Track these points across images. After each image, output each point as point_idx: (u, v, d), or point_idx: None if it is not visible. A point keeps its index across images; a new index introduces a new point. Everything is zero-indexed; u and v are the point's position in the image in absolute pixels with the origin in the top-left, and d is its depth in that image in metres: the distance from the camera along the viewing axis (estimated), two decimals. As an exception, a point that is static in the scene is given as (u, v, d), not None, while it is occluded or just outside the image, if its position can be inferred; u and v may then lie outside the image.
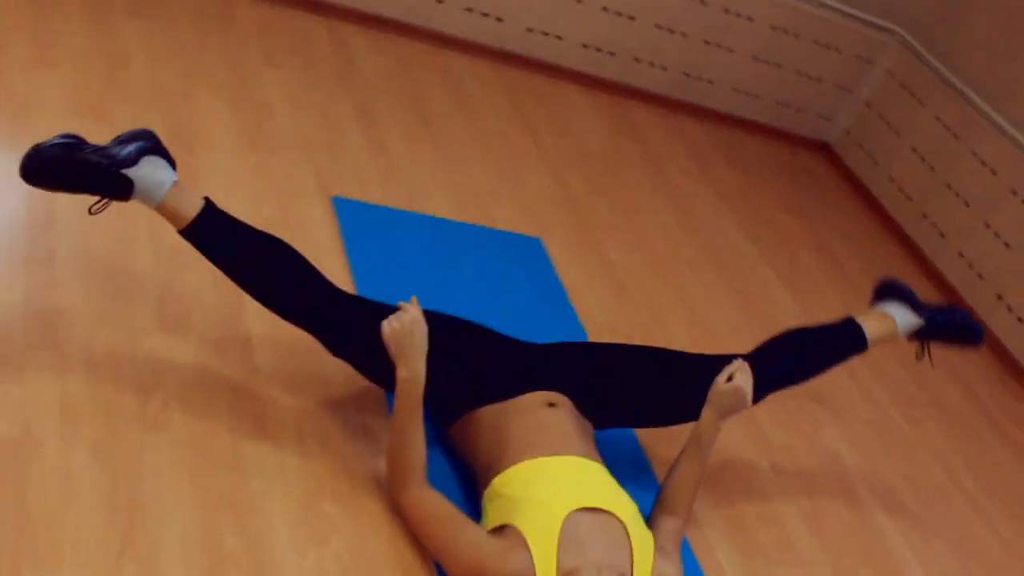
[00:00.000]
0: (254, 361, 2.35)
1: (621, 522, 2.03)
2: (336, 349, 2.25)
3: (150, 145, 2.07)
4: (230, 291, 2.33)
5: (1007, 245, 4.15)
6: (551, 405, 2.28)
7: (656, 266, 3.51)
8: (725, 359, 2.42)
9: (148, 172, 2.05)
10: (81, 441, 1.97)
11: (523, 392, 2.29)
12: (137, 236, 2.51)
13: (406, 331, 2.07)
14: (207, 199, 2.12)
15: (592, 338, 2.96)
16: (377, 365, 2.19)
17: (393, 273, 2.83)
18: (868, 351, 2.68)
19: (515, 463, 2.12)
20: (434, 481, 2.13)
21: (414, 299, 2.16)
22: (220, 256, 2.15)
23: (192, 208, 2.09)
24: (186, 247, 2.13)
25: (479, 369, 2.32)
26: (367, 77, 3.72)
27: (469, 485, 2.29)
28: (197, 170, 2.81)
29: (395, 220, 3.05)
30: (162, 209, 2.08)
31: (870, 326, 2.68)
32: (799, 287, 3.85)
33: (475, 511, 2.18)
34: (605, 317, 3.10)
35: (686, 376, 2.43)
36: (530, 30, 4.28)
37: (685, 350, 2.62)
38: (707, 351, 3.09)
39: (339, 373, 2.38)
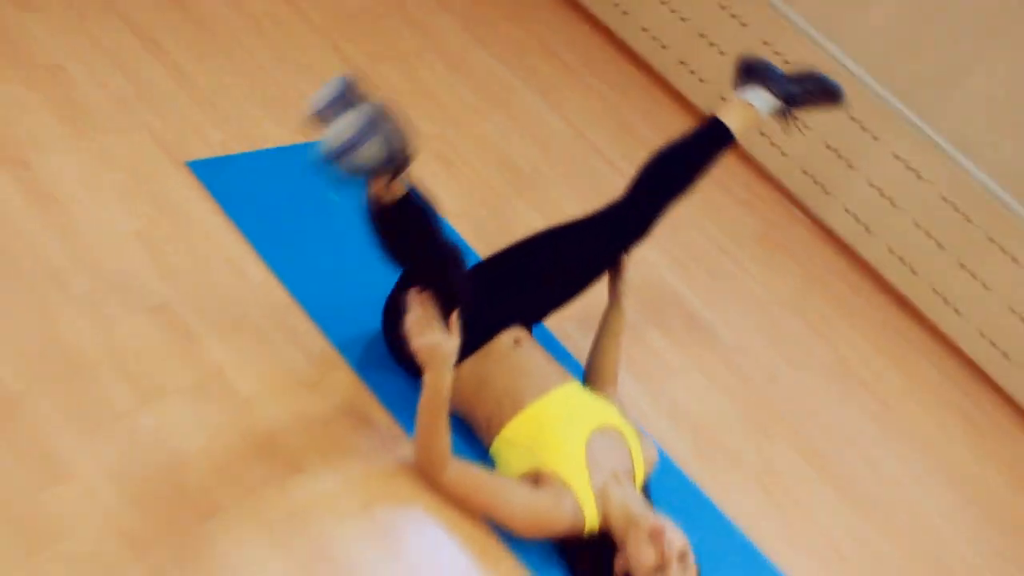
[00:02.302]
0: (237, 390, 2.40)
1: (616, 428, 2.41)
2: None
3: None
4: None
5: (719, 52, 4.67)
6: (516, 342, 2.49)
7: (455, 126, 3.73)
8: (614, 212, 2.75)
9: None
10: None
11: (491, 338, 2.48)
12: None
13: (440, 352, 2.15)
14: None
15: (463, 231, 3.19)
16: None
17: (286, 222, 2.85)
18: (736, 141, 2.84)
19: (516, 414, 2.37)
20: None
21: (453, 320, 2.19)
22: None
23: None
24: None
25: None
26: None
27: (460, 428, 2.50)
28: (46, 183, 2.59)
29: (253, 165, 3.00)
30: None
31: (733, 119, 2.83)
32: (554, 99, 4.23)
33: (477, 451, 2.46)
34: (456, 205, 3.36)
35: (593, 242, 2.71)
36: None
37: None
38: (543, 206, 3.47)
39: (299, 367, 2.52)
